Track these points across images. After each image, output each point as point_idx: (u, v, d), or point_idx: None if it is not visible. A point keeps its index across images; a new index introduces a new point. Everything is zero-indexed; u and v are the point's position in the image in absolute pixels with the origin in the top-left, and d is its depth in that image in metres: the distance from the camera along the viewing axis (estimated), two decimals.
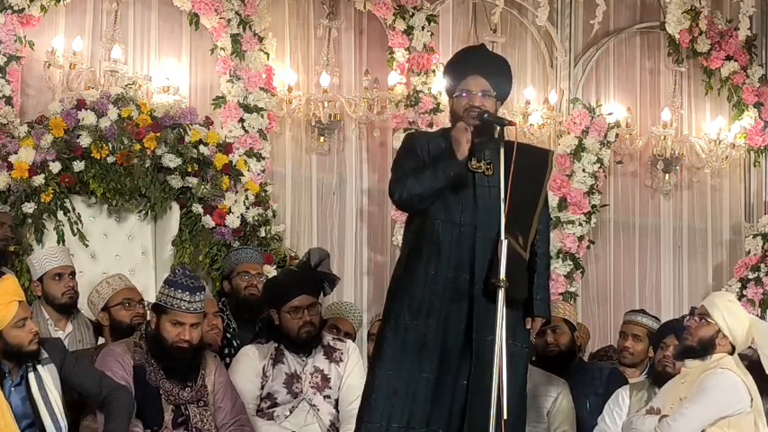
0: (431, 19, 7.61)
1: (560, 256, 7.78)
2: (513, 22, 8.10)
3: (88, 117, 6.40)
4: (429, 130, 6.94)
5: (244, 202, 6.75)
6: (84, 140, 6.38)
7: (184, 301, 4.89)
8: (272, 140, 7.20)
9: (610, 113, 8.06)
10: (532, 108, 7.85)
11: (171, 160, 6.53)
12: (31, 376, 4.74)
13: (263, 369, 5.27)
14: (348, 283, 7.47)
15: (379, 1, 7.50)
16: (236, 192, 6.74)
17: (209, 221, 6.66)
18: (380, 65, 7.57)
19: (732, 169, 8.57)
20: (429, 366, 4.53)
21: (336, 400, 5.33)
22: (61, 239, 6.34)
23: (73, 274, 5.85)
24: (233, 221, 6.67)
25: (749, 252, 8.24)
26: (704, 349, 4.99)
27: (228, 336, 5.91)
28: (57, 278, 5.78)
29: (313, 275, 5.41)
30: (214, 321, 5.72)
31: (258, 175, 6.94)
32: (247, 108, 7.01)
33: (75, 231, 6.42)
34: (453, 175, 4.53)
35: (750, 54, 8.47)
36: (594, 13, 8.04)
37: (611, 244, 8.31)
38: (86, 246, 6.49)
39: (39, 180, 6.27)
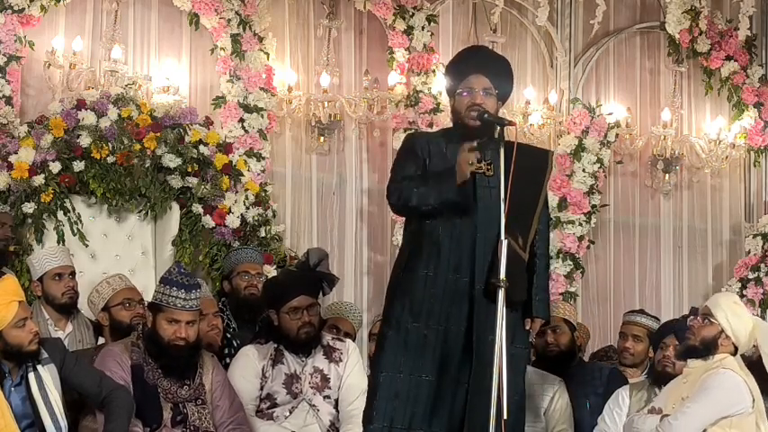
0: (431, 19, 7.61)
1: (560, 256, 7.78)
2: (513, 22, 8.10)
3: (88, 117, 6.40)
4: (429, 130, 6.94)
5: (244, 202, 6.75)
6: (84, 140, 6.38)
7: (180, 298, 4.91)
8: (272, 140, 7.20)
9: (610, 113, 8.06)
10: (532, 108, 7.85)
11: (171, 160, 6.53)
12: (31, 376, 4.74)
13: (263, 369, 5.27)
14: (348, 283, 7.47)
15: (379, 1, 7.50)
16: (236, 192, 6.74)
17: (209, 221, 6.66)
18: (380, 65, 7.57)
19: (732, 169, 8.57)
20: (430, 368, 4.53)
21: (336, 400, 5.32)
22: (61, 239, 6.34)
23: (73, 274, 5.85)
24: (233, 221, 6.67)
25: (749, 252, 8.24)
26: (707, 349, 4.99)
27: (228, 336, 5.91)
28: (57, 278, 5.78)
29: (312, 276, 5.41)
30: (214, 321, 5.72)
31: (258, 175, 6.94)
32: (247, 108, 7.01)
33: (75, 231, 6.42)
34: (449, 200, 4.50)
35: (750, 54, 8.46)
36: (594, 13, 8.03)
37: (611, 244, 8.31)
38: (86, 246, 6.49)
39: (39, 180, 6.27)
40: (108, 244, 6.62)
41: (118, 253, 6.64)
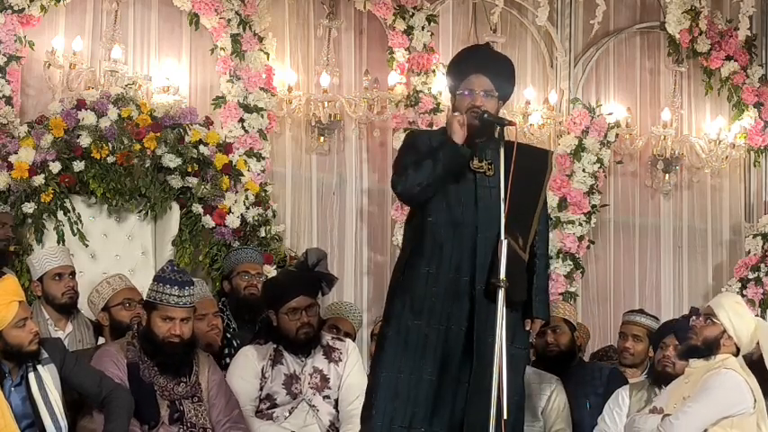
0: (431, 19, 7.61)
1: (560, 256, 7.78)
2: (513, 22, 8.10)
3: (88, 117, 6.39)
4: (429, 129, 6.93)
5: (244, 202, 6.75)
6: (84, 140, 6.38)
7: (173, 295, 4.94)
8: (272, 140, 7.20)
9: (610, 113, 8.06)
10: (532, 108, 7.85)
11: (171, 160, 6.53)
12: (32, 376, 4.75)
13: (262, 370, 5.26)
14: (348, 283, 7.47)
15: (379, 1, 7.50)
16: (236, 192, 6.74)
17: (209, 221, 6.66)
18: (380, 65, 7.57)
19: (732, 169, 8.56)
20: (430, 367, 4.52)
21: (336, 400, 5.32)
22: (61, 239, 6.34)
23: (73, 274, 5.85)
24: (233, 221, 6.67)
25: (749, 252, 8.24)
26: (708, 349, 5.00)
27: (228, 336, 5.91)
28: (57, 278, 5.78)
29: (311, 276, 5.41)
30: (214, 321, 5.72)
31: (258, 175, 6.94)
32: (247, 108, 7.01)
33: (75, 231, 6.42)
34: (453, 160, 4.51)
35: (750, 54, 8.46)
36: (594, 13, 8.03)
37: (611, 244, 8.31)
38: (86, 246, 6.49)
39: (39, 180, 6.27)
40: (108, 244, 6.62)
41: (118, 253, 6.64)
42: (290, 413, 5.22)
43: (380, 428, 4.50)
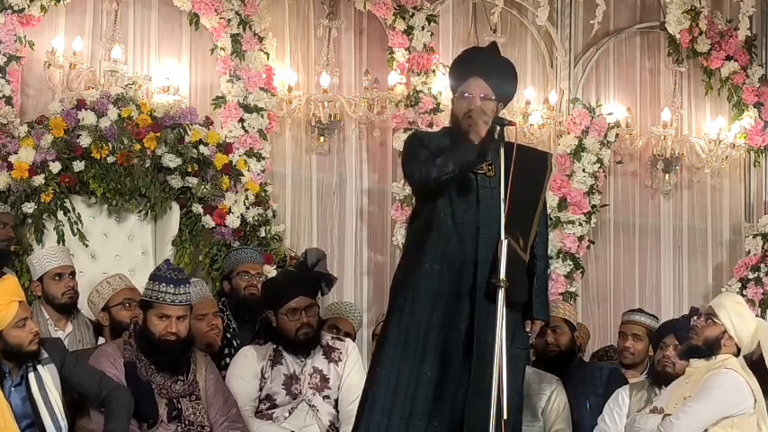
0: (431, 19, 7.60)
1: (560, 256, 7.77)
2: (513, 22, 8.10)
3: (88, 117, 6.39)
4: (430, 130, 6.93)
5: (244, 202, 6.75)
6: (84, 140, 6.38)
7: (169, 293, 4.95)
8: (272, 140, 7.20)
9: (610, 113, 8.06)
10: (532, 108, 7.85)
11: (171, 160, 6.53)
12: (31, 376, 4.75)
13: (262, 370, 5.26)
14: (348, 283, 7.46)
15: (379, 1, 7.50)
16: (236, 192, 6.74)
17: (209, 221, 6.66)
18: (380, 65, 7.56)
19: (732, 169, 8.56)
20: (430, 363, 4.53)
21: (336, 400, 5.32)
22: (61, 239, 6.34)
23: (73, 274, 5.86)
24: (233, 221, 6.67)
25: (749, 252, 8.23)
26: (709, 349, 5.00)
27: (228, 336, 5.91)
28: (57, 278, 5.78)
29: (310, 276, 5.41)
30: (214, 321, 5.72)
31: (258, 175, 6.94)
32: (247, 108, 7.00)
33: (75, 231, 6.42)
34: (469, 162, 4.51)
35: (750, 54, 8.46)
36: (594, 13, 8.03)
37: (611, 244, 8.31)
38: (86, 246, 6.48)
39: (39, 180, 6.27)
40: (108, 244, 6.62)
41: (118, 253, 6.64)
42: (290, 413, 5.22)
43: (379, 423, 4.50)
